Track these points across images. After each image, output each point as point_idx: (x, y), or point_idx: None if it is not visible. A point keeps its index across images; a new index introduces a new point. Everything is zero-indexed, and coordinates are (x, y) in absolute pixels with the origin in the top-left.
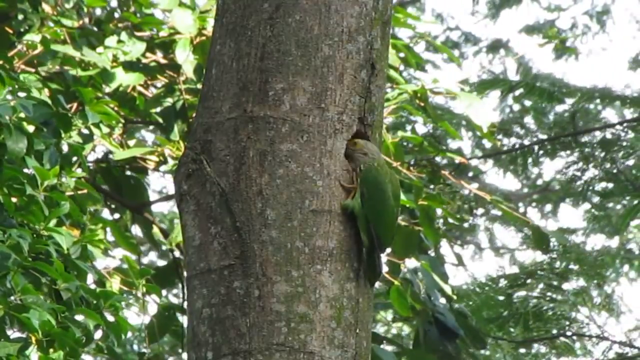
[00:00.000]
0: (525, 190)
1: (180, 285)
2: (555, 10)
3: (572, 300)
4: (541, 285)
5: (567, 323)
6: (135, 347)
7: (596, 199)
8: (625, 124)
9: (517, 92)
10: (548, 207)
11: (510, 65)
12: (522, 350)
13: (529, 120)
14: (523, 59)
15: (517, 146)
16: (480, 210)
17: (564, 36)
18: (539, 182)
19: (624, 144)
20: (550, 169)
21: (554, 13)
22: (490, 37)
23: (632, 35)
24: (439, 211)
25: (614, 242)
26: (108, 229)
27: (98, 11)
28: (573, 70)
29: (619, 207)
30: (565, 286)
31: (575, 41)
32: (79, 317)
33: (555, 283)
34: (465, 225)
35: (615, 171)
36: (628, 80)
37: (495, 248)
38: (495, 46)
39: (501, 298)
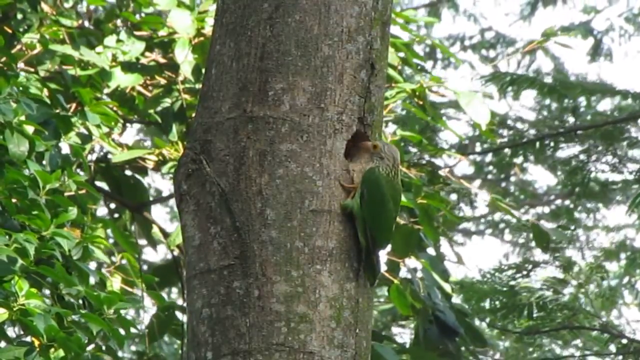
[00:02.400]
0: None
1: (180, 284)
2: (590, 11)
3: (574, 293)
4: (543, 278)
5: (572, 314)
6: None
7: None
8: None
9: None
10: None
11: (546, 65)
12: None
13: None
14: (558, 59)
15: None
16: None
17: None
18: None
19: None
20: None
21: (590, 14)
22: (526, 38)
23: None
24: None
25: None
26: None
27: (95, 9)
28: (609, 72)
29: None
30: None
31: (614, 43)
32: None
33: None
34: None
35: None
36: None
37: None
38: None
39: (506, 288)
